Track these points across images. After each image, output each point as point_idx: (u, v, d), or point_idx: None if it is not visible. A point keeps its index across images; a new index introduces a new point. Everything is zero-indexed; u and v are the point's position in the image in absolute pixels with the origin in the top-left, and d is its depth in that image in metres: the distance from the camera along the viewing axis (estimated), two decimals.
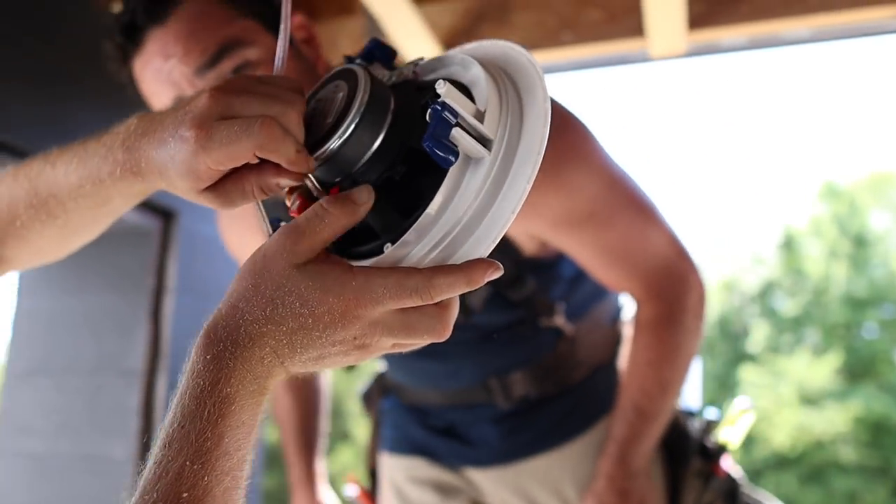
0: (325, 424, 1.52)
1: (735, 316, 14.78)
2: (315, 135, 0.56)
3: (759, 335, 14.20)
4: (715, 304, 14.74)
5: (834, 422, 12.47)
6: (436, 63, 0.63)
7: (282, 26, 0.60)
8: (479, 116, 0.54)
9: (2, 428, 1.83)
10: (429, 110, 0.52)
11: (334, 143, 0.55)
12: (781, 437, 12.56)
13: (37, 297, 1.89)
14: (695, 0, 1.78)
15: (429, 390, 1.30)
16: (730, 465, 1.20)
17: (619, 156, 1.11)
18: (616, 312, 1.31)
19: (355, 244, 0.59)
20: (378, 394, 1.41)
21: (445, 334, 0.56)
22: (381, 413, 1.41)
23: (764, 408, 12.58)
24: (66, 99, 1.48)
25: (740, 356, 14.07)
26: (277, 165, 0.56)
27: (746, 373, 13.49)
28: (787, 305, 14.86)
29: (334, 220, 0.54)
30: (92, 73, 1.59)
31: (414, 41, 1.91)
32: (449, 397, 1.28)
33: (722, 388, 13.59)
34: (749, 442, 13.30)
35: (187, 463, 0.48)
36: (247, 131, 0.53)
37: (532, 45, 1.93)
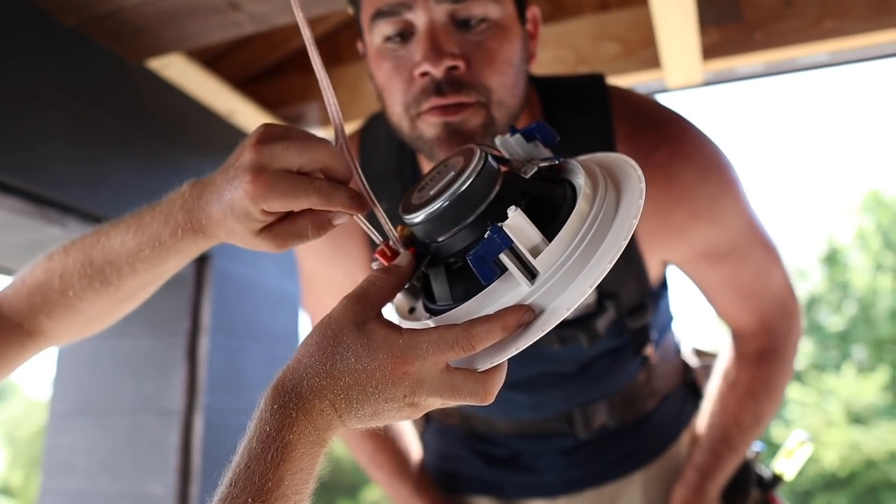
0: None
1: None
2: (418, 198, 0.63)
3: (803, 352, 13.88)
4: None
5: (885, 440, 12.09)
6: (576, 165, 0.64)
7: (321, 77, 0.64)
8: (536, 250, 0.56)
9: (46, 466, 1.87)
10: (487, 229, 0.56)
11: (418, 216, 0.61)
12: (831, 456, 12.21)
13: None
14: (708, 31, 1.79)
15: (500, 420, 1.25)
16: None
17: None
18: (677, 344, 1.32)
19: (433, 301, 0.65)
20: (421, 421, 1.36)
21: (488, 399, 0.58)
22: (424, 443, 1.36)
23: (812, 427, 12.26)
24: (107, 157, 1.53)
25: None
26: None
27: (792, 391, 13.17)
28: (832, 321, 14.50)
29: (384, 283, 0.61)
30: (131, 131, 1.67)
31: None
32: (523, 427, 1.24)
33: None
34: None
35: (249, 500, 0.52)
36: (305, 191, 0.61)
37: None
